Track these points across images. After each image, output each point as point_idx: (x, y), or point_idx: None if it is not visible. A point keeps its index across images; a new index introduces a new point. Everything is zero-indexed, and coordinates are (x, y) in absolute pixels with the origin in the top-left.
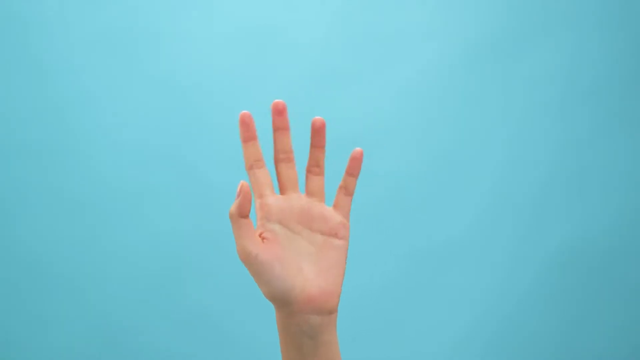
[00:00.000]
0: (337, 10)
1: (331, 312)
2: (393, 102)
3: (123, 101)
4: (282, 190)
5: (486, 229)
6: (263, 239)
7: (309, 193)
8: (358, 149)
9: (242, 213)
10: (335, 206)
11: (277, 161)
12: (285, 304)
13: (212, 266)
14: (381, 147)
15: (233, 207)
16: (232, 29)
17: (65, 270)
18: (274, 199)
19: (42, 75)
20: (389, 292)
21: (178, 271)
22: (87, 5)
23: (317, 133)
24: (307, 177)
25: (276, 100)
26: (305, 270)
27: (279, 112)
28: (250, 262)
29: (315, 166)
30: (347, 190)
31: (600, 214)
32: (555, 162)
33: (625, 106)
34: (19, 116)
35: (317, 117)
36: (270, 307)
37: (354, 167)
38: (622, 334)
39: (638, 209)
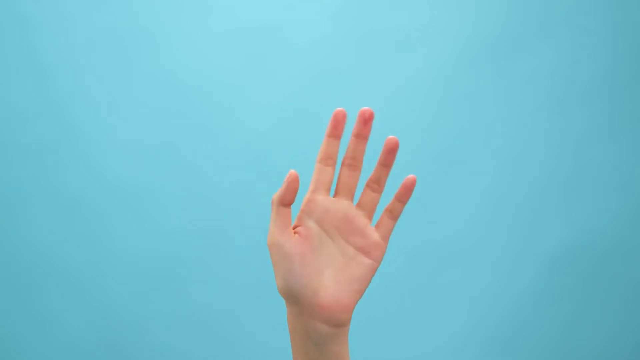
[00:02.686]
0: (336, 10)
1: (339, 325)
2: (393, 102)
3: (123, 101)
4: (336, 193)
5: (486, 229)
6: (296, 232)
7: (360, 206)
8: (412, 176)
9: (284, 201)
10: (377, 226)
11: (343, 164)
12: (295, 303)
13: (212, 266)
14: (380, 147)
15: (277, 193)
16: (232, 29)
17: (65, 270)
18: (323, 198)
19: (42, 75)
20: (388, 292)
21: (178, 271)
22: (87, 5)
23: (389, 153)
24: (364, 190)
25: (366, 108)
26: (325, 276)
27: (365, 121)
28: (274, 250)
29: (375, 183)
30: (392, 213)
31: (600, 214)
32: (555, 162)
33: (625, 106)
34: (19, 116)
35: (392, 137)
36: (271, 308)
37: (404, 195)
38: (622, 334)
39: (638, 209)
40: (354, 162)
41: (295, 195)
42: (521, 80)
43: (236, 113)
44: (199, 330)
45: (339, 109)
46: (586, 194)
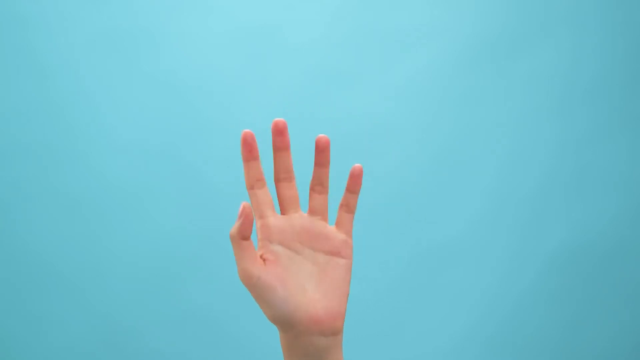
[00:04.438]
0: (336, 10)
1: (335, 333)
2: (393, 102)
3: (123, 101)
4: (283, 210)
5: (486, 229)
6: (265, 260)
7: (312, 212)
8: (357, 165)
9: (244, 235)
10: (337, 224)
11: (277, 180)
12: (290, 327)
13: (212, 266)
14: (381, 147)
15: (234, 228)
16: (232, 29)
17: (65, 270)
18: (275, 219)
19: (42, 75)
20: (388, 292)
21: (178, 271)
22: (87, 5)
23: (322, 152)
24: (310, 196)
25: (276, 120)
26: (309, 290)
27: (279, 132)
28: (252, 284)
29: (318, 185)
30: (348, 207)
31: (600, 214)
32: (555, 162)
33: (625, 106)
34: (19, 116)
35: (322, 135)
36: None
37: (354, 184)
38: (622, 334)
39: (638, 209)
40: (286, 175)
41: (252, 227)
42: (521, 80)
43: (236, 113)
44: (199, 330)
45: (245, 131)
46: (586, 194)
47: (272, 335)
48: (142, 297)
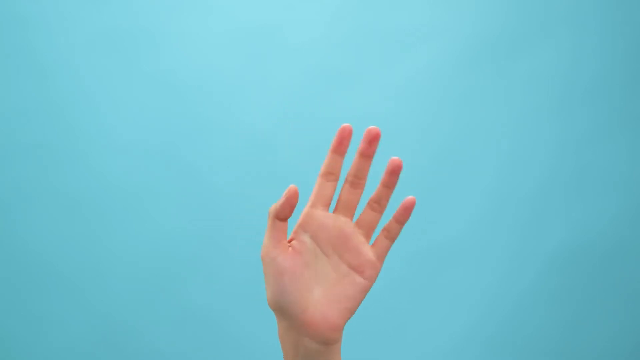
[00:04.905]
0: (336, 9)
1: (328, 343)
2: (393, 102)
3: (123, 101)
4: (336, 209)
5: (486, 229)
6: (290, 247)
7: (359, 224)
8: (411, 198)
9: (280, 215)
10: (373, 245)
11: (346, 181)
12: (284, 317)
13: (212, 266)
14: (381, 147)
15: (274, 205)
16: (232, 29)
17: (65, 270)
18: (322, 213)
19: (42, 75)
20: (389, 292)
21: (178, 271)
22: (87, 5)
23: (392, 174)
24: (364, 209)
25: (373, 127)
26: (317, 293)
27: (370, 140)
28: (266, 262)
29: (376, 202)
30: (389, 234)
31: (600, 214)
32: (555, 162)
33: (625, 106)
34: (19, 116)
35: (396, 158)
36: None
37: (402, 216)
38: (622, 334)
39: (638, 209)
40: (356, 180)
41: (292, 211)
42: (521, 80)
43: (236, 113)
44: (199, 330)
45: (346, 124)
46: (586, 194)
47: (272, 336)
48: (142, 297)
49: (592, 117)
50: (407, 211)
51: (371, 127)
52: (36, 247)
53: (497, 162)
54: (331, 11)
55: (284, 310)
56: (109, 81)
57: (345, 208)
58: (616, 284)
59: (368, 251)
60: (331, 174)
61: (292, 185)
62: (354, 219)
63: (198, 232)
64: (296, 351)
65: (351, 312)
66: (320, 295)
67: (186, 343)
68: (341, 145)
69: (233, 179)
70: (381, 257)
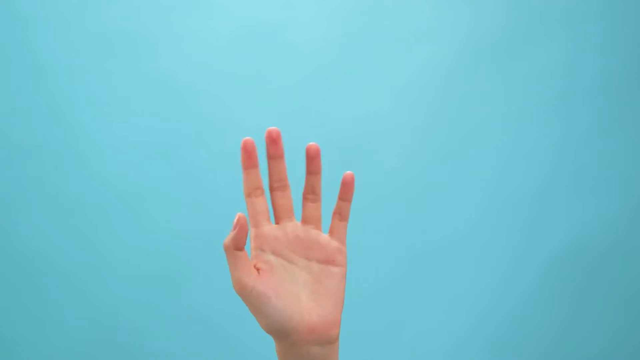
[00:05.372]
0: (336, 9)
1: (331, 342)
2: (393, 102)
3: (123, 101)
4: (277, 219)
5: (486, 229)
6: (258, 270)
7: (305, 220)
8: (349, 172)
9: (238, 246)
10: (330, 232)
11: (272, 189)
12: (285, 336)
13: (212, 266)
14: (380, 147)
15: (228, 239)
16: (232, 29)
17: (65, 270)
18: (269, 229)
19: (42, 75)
20: (388, 292)
21: (178, 271)
22: (88, 5)
23: (312, 160)
24: (303, 204)
25: (270, 128)
26: (304, 299)
27: (273, 141)
28: (246, 294)
29: (311, 193)
30: (341, 215)
31: (600, 214)
32: (555, 161)
33: (625, 106)
34: (19, 116)
35: (312, 144)
36: None
37: (346, 192)
38: (622, 334)
39: (638, 209)
40: (280, 184)
41: (246, 238)
42: (521, 80)
43: (236, 113)
44: (199, 330)
45: (245, 139)
46: (586, 194)
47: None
48: (142, 297)
49: (592, 117)
50: (348, 187)
51: (270, 128)
52: (36, 247)
53: (497, 162)
54: (331, 11)
55: (283, 330)
56: (109, 81)
57: (284, 213)
58: (616, 284)
59: (328, 241)
60: (256, 189)
61: (239, 214)
62: (299, 219)
63: (198, 232)
64: None
65: (341, 302)
66: (308, 299)
67: (186, 343)
68: (250, 159)
69: (233, 179)
70: (342, 240)
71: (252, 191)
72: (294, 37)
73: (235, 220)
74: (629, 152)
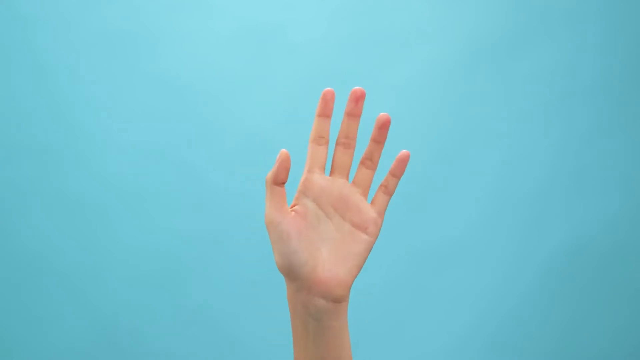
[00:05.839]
0: (336, 9)
1: (337, 300)
2: (393, 102)
3: (123, 101)
4: (332, 171)
5: (486, 229)
6: (293, 211)
7: (355, 183)
8: (405, 151)
9: (277, 180)
10: (373, 202)
11: (337, 144)
12: (294, 278)
13: (212, 266)
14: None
15: (270, 173)
16: (232, 29)
17: (65, 270)
18: (319, 177)
19: (42, 75)
20: (388, 292)
21: (178, 271)
22: (88, 5)
23: (380, 128)
24: (358, 168)
25: (357, 88)
26: (324, 253)
27: (356, 100)
28: (271, 228)
29: (368, 159)
30: (387, 189)
31: (600, 214)
32: (555, 162)
33: (625, 106)
34: (19, 116)
35: (384, 114)
36: (271, 308)
37: (398, 169)
38: (622, 334)
39: (638, 209)
40: (347, 141)
41: (287, 174)
42: (521, 80)
43: (236, 113)
44: (199, 330)
45: (328, 89)
46: (586, 194)
47: (272, 335)
48: (142, 297)
49: (592, 116)
50: (402, 163)
51: (356, 87)
52: (36, 247)
53: (497, 162)
54: (331, 11)
55: (294, 271)
56: (109, 81)
57: (340, 169)
58: (616, 284)
59: (368, 209)
60: (321, 138)
61: (283, 150)
62: (350, 180)
63: (198, 232)
64: (306, 310)
65: (358, 268)
66: (328, 254)
67: (186, 343)
68: (326, 108)
69: (233, 179)
70: (381, 212)
71: (317, 138)
72: (294, 37)
73: (278, 156)
74: (629, 152)
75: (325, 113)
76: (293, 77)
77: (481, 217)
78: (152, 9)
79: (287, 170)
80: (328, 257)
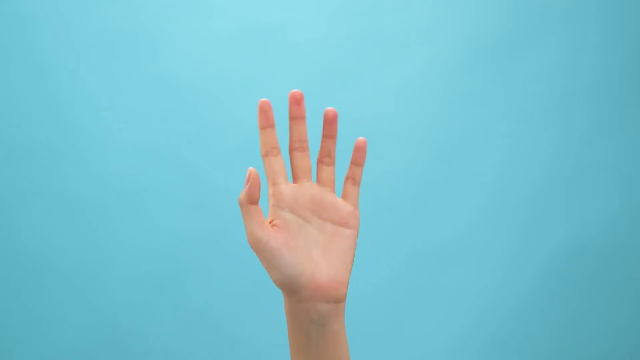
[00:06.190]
0: (336, 9)
1: (339, 300)
2: (393, 102)
3: (123, 101)
4: (295, 178)
5: (486, 229)
6: (274, 226)
7: (320, 182)
8: (361, 138)
9: (251, 199)
10: (344, 196)
11: (291, 150)
12: (294, 291)
13: (212, 266)
14: (381, 147)
15: (242, 193)
16: (232, 29)
17: (65, 270)
18: (286, 187)
19: (42, 75)
20: (388, 292)
21: (178, 271)
22: (88, 5)
23: (330, 123)
24: (318, 167)
25: (294, 90)
26: (315, 257)
27: (296, 102)
28: (260, 248)
29: (326, 156)
30: (354, 180)
31: (600, 214)
32: (555, 162)
33: (626, 106)
34: (19, 116)
35: (330, 108)
36: (271, 308)
37: (358, 157)
38: (622, 334)
39: (638, 209)
40: (301, 144)
41: (259, 192)
42: (521, 80)
43: (236, 113)
44: (199, 330)
45: (263, 100)
46: (586, 194)
47: (272, 335)
48: (142, 297)
49: (593, 116)
50: (360, 152)
51: (293, 90)
52: (36, 247)
53: (497, 161)
54: (331, 11)
55: (294, 284)
56: (109, 81)
57: (303, 173)
58: (616, 284)
59: (342, 204)
60: (274, 148)
61: (250, 168)
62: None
63: (198, 232)
64: (309, 318)
65: (351, 263)
66: (320, 258)
67: (186, 343)
68: (267, 119)
69: (233, 179)
70: (355, 204)
71: (269, 150)
72: (294, 37)
73: (247, 175)
74: (629, 152)
75: (269, 124)
76: (293, 77)
77: (481, 217)
78: (152, 9)
79: (259, 187)
80: (321, 260)
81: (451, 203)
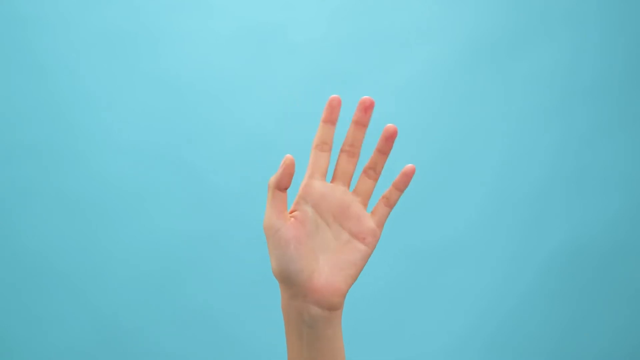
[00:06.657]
0: (336, 9)
1: (332, 308)
2: (393, 102)
3: (123, 101)
4: (333, 179)
5: (486, 229)
6: (292, 217)
7: (356, 192)
8: (411, 165)
9: (280, 185)
10: (373, 213)
11: (342, 150)
12: (289, 285)
13: (212, 266)
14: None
15: (273, 177)
16: (232, 29)
17: (65, 270)
18: (320, 184)
19: (42, 75)
20: (388, 292)
21: (178, 271)
22: (88, 5)
23: (387, 140)
24: (360, 177)
25: (366, 97)
26: (320, 261)
27: (364, 109)
28: (269, 234)
29: (372, 169)
30: (388, 201)
31: (600, 214)
32: (555, 162)
33: (625, 106)
34: (19, 116)
35: (391, 125)
36: (271, 308)
37: (402, 183)
38: (622, 334)
39: (638, 209)
40: (352, 149)
41: (290, 180)
42: (521, 80)
43: (236, 113)
44: (199, 330)
45: (334, 95)
46: (586, 194)
47: (272, 335)
48: (142, 297)
49: (593, 116)
50: (406, 178)
51: (365, 97)
52: (36, 247)
53: (497, 162)
54: (331, 11)
55: (290, 278)
56: (109, 81)
57: (343, 177)
58: (616, 284)
59: (368, 219)
60: (325, 144)
61: (288, 155)
62: (351, 188)
63: (198, 232)
64: (300, 318)
65: (354, 278)
66: (324, 262)
67: (186, 343)
68: (331, 115)
69: (233, 179)
70: (380, 224)
71: (321, 144)
72: (294, 37)
73: (283, 161)
74: (629, 152)
75: (331, 120)
76: (293, 77)
77: (481, 217)
78: (152, 9)
79: (291, 175)
80: (324, 265)
81: (451, 203)
